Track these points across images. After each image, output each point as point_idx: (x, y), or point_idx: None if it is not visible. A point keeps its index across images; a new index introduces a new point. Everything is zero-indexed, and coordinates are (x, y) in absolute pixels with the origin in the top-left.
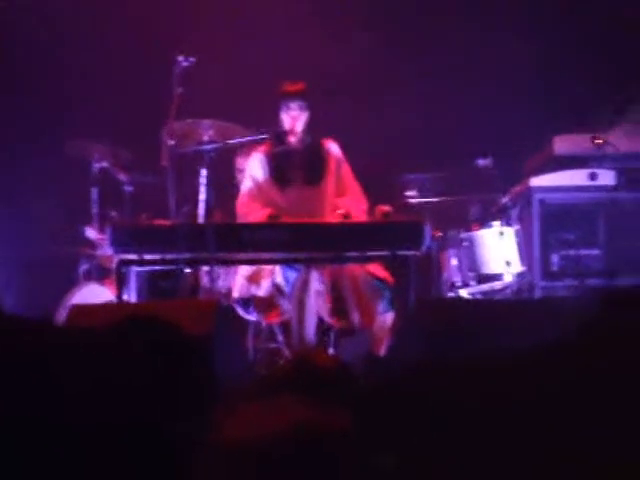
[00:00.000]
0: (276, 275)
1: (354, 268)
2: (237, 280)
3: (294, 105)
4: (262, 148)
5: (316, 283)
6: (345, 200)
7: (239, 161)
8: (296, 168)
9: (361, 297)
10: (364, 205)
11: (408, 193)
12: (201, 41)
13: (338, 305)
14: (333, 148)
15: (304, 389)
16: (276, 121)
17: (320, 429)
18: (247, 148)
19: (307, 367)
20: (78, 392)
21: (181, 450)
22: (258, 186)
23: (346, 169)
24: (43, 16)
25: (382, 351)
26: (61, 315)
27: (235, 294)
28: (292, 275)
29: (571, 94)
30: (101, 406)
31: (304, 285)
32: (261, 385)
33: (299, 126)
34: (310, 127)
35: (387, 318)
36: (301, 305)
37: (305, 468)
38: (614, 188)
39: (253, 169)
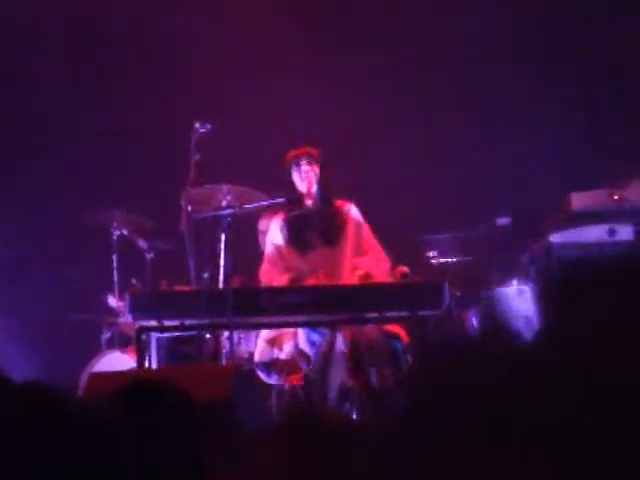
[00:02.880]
0: (299, 339)
1: (369, 327)
2: (258, 344)
3: (303, 162)
4: (280, 214)
5: (341, 345)
6: (365, 260)
7: (262, 223)
8: (313, 230)
9: (377, 355)
10: (386, 265)
11: (429, 253)
12: (218, 108)
13: (357, 365)
14: (352, 211)
15: (303, 446)
16: (292, 187)
17: None
18: (270, 210)
19: (308, 425)
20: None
21: None
22: (279, 252)
23: (366, 230)
24: (66, 82)
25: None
26: (82, 383)
27: (257, 358)
28: (317, 339)
29: (587, 150)
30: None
31: (329, 348)
32: (262, 443)
33: (313, 185)
34: (326, 189)
35: (400, 373)
36: (325, 368)
37: None
38: (633, 243)
39: (273, 235)
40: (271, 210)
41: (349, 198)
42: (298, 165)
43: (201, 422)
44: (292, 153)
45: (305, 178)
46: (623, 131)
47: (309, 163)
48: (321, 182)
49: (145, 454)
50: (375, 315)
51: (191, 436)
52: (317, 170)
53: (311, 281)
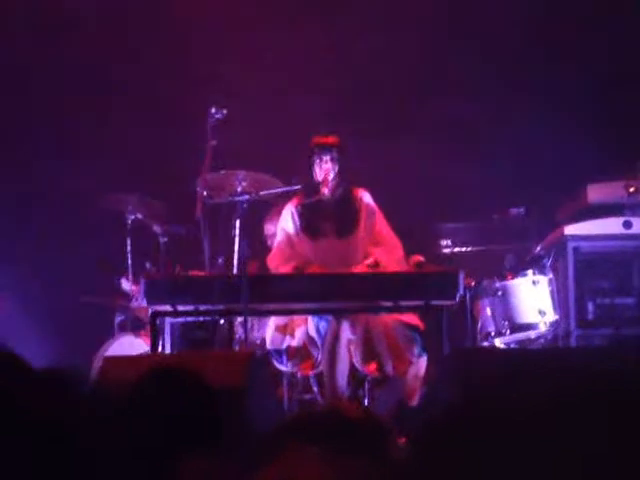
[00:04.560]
0: (309, 326)
1: (385, 316)
2: (268, 331)
3: (326, 157)
4: (294, 200)
5: (347, 333)
6: (378, 249)
7: (268, 227)
8: (327, 220)
9: (393, 344)
10: (399, 254)
11: (442, 242)
12: (235, 93)
13: (371, 353)
14: (365, 197)
15: (330, 440)
16: (309, 172)
17: None
18: (275, 214)
19: (334, 418)
20: (94, 451)
21: None
22: (289, 239)
23: (379, 218)
24: (75, 64)
25: (415, 400)
26: (96, 367)
27: (268, 346)
28: (324, 326)
29: (603, 141)
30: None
31: (335, 336)
32: (286, 435)
33: (331, 177)
34: (343, 177)
35: (420, 366)
36: (332, 356)
37: None
38: None
39: (284, 222)
40: (280, 211)
41: (364, 185)
42: (320, 158)
43: (220, 410)
44: (317, 140)
45: (325, 171)
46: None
47: (332, 160)
48: (340, 175)
49: (167, 439)
50: (388, 304)
51: (211, 424)
52: (337, 167)
53: (314, 270)
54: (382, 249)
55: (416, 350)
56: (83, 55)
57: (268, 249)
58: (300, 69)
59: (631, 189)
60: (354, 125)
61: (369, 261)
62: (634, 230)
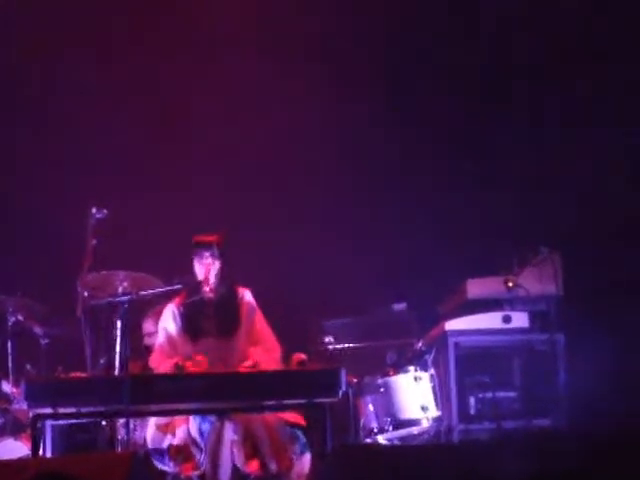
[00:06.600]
0: (190, 427)
1: (266, 415)
2: (149, 430)
3: (206, 254)
4: (176, 300)
5: (230, 434)
6: (256, 350)
7: (146, 326)
8: (208, 320)
9: (276, 443)
10: (277, 353)
11: (325, 339)
12: (116, 192)
13: (253, 452)
14: (247, 296)
15: None
16: (190, 272)
17: None
18: (154, 313)
19: None
20: None
21: None
22: (170, 339)
23: (259, 317)
24: None
25: None
26: None
27: (149, 445)
28: (206, 428)
29: (482, 237)
30: None
31: (218, 437)
32: None
33: (212, 275)
34: (225, 275)
35: (304, 464)
36: (215, 457)
37: None
38: (528, 330)
39: (166, 322)
40: (159, 311)
41: (246, 283)
42: (200, 255)
43: None
44: (197, 239)
45: (205, 267)
46: (518, 219)
47: (212, 256)
48: (222, 273)
49: None
50: (271, 402)
51: None
52: (218, 264)
53: (189, 365)
54: (261, 348)
55: (298, 448)
56: None
57: (147, 348)
58: (184, 169)
59: (509, 284)
60: (236, 222)
61: (248, 363)
62: (513, 324)
